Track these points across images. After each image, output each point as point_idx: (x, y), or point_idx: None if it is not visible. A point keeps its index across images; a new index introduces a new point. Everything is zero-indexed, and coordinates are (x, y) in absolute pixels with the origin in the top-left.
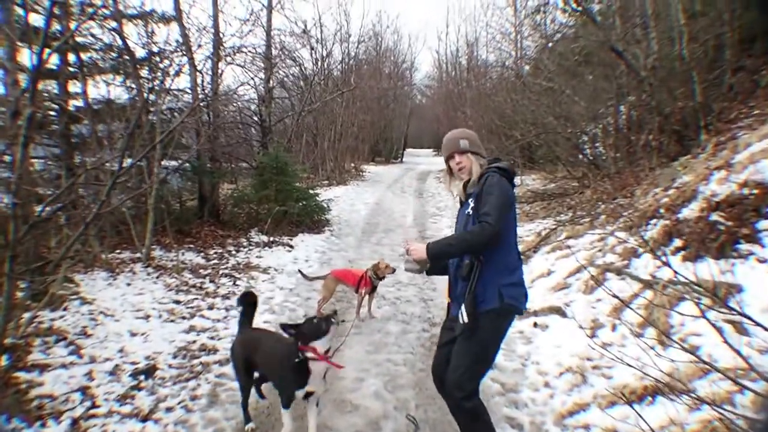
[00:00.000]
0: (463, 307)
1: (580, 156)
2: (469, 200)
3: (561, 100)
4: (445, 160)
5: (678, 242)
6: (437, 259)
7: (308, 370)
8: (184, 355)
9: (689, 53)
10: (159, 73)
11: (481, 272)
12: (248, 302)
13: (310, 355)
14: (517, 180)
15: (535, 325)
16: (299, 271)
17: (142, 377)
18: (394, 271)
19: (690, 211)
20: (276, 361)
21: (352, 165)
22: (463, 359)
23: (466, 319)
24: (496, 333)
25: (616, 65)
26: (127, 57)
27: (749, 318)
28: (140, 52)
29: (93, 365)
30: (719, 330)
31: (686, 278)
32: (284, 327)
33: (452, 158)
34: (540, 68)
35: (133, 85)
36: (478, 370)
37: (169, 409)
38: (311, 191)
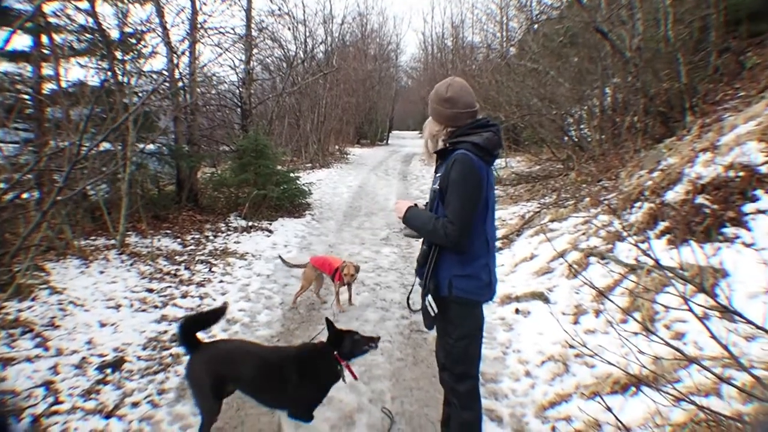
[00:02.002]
0: (428, 294)
1: (565, 138)
2: (438, 174)
3: (546, 82)
4: None
5: (663, 225)
6: (406, 222)
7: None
8: (154, 346)
9: (675, 35)
10: (133, 55)
11: (437, 260)
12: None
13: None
14: (501, 162)
15: (517, 311)
16: (279, 256)
17: (108, 370)
18: (358, 269)
19: (675, 194)
20: (288, 377)
21: (337, 147)
22: (440, 341)
23: (434, 306)
24: (460, 319)
25: (602, 47)
26: (100, 38)
27: (735, 312)
28: (114, 33)
29: (59, 358)
30: (702, 320)
31: (667, 267)
32: (331, 342)
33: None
34: (525, 50)
35: (107, 67)
36: (458, 352)
37: (135, 404)
38: (292, 174)
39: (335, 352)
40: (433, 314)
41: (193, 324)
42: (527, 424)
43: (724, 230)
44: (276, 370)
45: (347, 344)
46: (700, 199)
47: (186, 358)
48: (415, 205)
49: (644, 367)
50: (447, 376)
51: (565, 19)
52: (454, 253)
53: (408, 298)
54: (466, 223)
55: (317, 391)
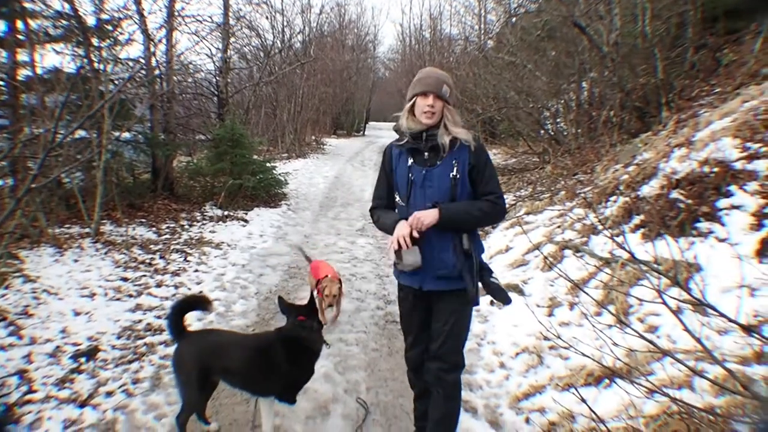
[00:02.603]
0: (474, 281)
1: (542, 131)
2: (452, 161)
3: (523, 75)
4: (415, 94)
5: (638, 220)
6: (448, 225)
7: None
8: (128, 335)
9: (652, 30)
10: (109, 42)
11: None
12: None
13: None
14: None
15: (492, 302)
16: (300, 248)
17: (83, 359)
18: (341, 286)
19: (650, 189)
20: (277, 361)
21: (313, 138)
22: (451, 331)
23: (476, 294)
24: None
25: (579, 41)
26: (76, 24)
27: (709, 306)
28: (91, 20)
29: (33, 347)
30: (676, 313)
31: (642, 260)
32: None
33: (425, 97)
34: (503, 43)
35: (83, 54)
36: (458, 340)
37: (109, 394)
38: (268, 164)
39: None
40: (501, 289)
41: (184, 307)
42: (501, 416)
43: (698, 225)
44: (264, 356)
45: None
46: (675, 194)
47: (161, 347)
48: (435, 204)
49: (618, 359)
50: (437, 366)
51: (543, 13)
52: (477, 233)
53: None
54: None
55: (308, 367)
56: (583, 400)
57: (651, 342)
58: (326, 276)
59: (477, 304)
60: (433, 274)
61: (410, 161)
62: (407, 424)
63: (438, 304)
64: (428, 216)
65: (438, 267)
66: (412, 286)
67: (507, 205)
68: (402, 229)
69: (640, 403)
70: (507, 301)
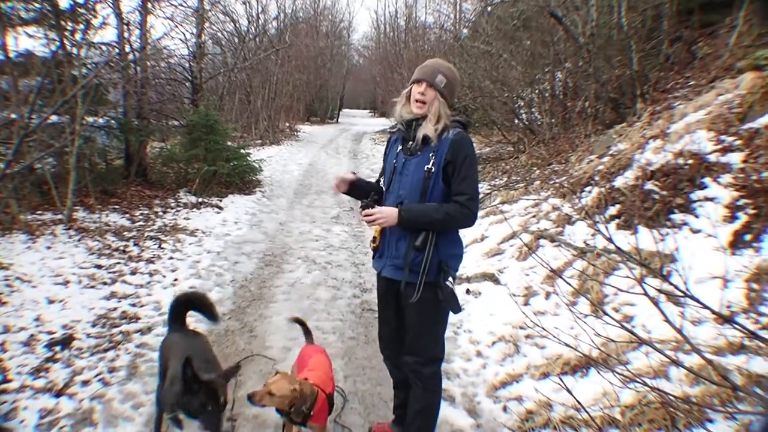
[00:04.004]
0: (419, 278)
1: (516, 121)
2: (429, 154)
3: (498, 65)
4: (412, 82)
5: (612, 210)
6: (409, 226)
7: None
8: (103, 323)
9: (628, 22)
10: (82, 25)
11: (435, 243)
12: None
13: None
14: None
15: (468, 291)
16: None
17: (58, 348)
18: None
19: (625, 180)
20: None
21: (287, 124)
22: (419, 325)
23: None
24: (444, 301)
25: (555, 31)
26: (49, 8)
27: (692, 297)
28: (64, 3)
29: (6, 335)
30: (656, 304)
31: (622, 249)
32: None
33: (419, 84)
34: (478, 32)
35: (56, 38)
36: (434, 335)
37: (85, 383)
38: (242, 151)
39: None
40: (441, 297)
41: (187, 302)
42: (479, 404)
43: (673, 216)
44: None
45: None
46: (650, 185)
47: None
48: (400, 203)
49: (597, 348)
50: (414, 360)
51: (519, 2)
52: (449, 233)
53: (419, 283)
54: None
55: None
56: (566, 389)
57: (630, 331)
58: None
59: (414, 300)
60: (390, 262)
61: (399, 148)
62: (385, 411)
63: (405, 297)
64: (388, 217)
65: (393, 255)
66: (377, 270)
67: (478, 211)
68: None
69: (617, 392)
70: (456, 310)
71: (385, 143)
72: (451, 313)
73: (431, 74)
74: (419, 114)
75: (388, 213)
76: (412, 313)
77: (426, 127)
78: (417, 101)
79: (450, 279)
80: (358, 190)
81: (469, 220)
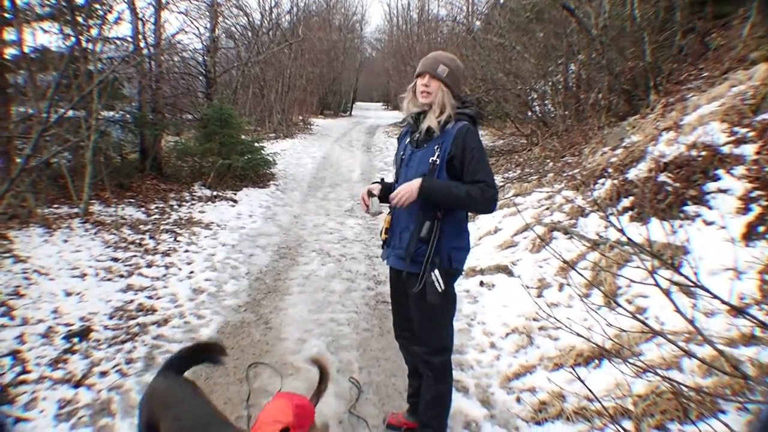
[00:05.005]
0: (424, 269)
1: (529, 113)
2: (434, 146)
3: (511, 57)
4: (416, 75)
5: (626, 202)
6: (429, 197)
7: None
8: (120, 315)
9: (641, 14)
10: (98, 21)
11: (439, 235)
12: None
13: None
14: None
15: (482, 284)
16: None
17: (76, 340)
18: None
19: (638, 172)
20: None
21: (300, 118)
22: (424, 315)
23: (441, 281)
24: (450, 292)
25: (568, 23)
26: (64, 3)
27: (702, 287)
28: None
29: (25, 327)
30: (668, 295)
31: (635, 241)
32: None
33: (422, 77)
34: (491, 24)
35: (71, 33)
36: (440, 326)
37: (103, 374)
38: (257, 144)
39: None
40: (440, 289)
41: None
42: (492, 395)
43: (686, 208)
44: None
45: None
46: (663, 177)
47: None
48: (423, 175)
49: (610, 339)
50: (422, 351)
51: None
52: (454, 225)
53: (423, 273)
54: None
55: None
56: (579, 379)
57: (643, 322)
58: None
59: (416, 291)
60: (395, 252)
61: (408, 140)
62: (400, 402)
63: (409, 288)
64: (410, 190)
65: (397, 246)
66: (383, 260)
67: (496, 198)
68: (362, 189)
69: (630, 383)
70: (434, 300)
71: (397, 138)
72: (460, 305)
73: (433, 65)
74: (425, 104)
75: (408, 187)
76: (415, 303)
77: (429, 118)
78: (422, 92)
79: (436, 270)
80: (389, 192)
81: (489, 205)
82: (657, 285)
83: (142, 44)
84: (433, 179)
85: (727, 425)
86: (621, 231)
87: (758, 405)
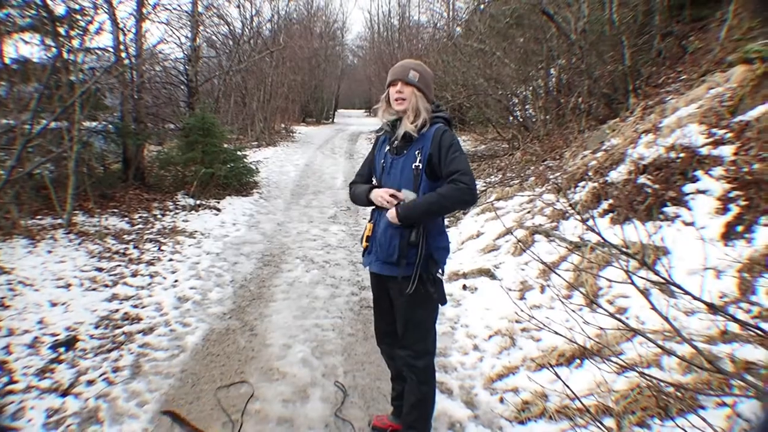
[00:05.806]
0: (414, 271)
1: (510, 118)
2: (415, 151)
3: (492, 62)
4: (387, 85)
5: (606, 205)
6: (408, 221)
7: None
8: (106, 324)
9: (619, 18)
10: (79, 31)
11: (425, 237)
12: None
13: None
14: None
15: (465, 287)
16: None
17: (62, 349)
18: None
19: (618, 174)
20: None
21: (282, 126)
22: (408, 319)
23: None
24: (434, 294)
25: (547, 28)
26: (45, 14)
27: (676, 285)
28: (59, 9)
29: (11, 338)
30: (645, 294)
31: (611, 243)
32: None
33: (394, 85)
34: (471, 30)
35: (53, 44)
36: (423, 329)
37: (90, 382)
38: (239, 153)
39: None
40: (432, 290)
41: None
42: (476, 396)
43: (665, 209)
44: None
45: None
46: (642, 179)
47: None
48: (400, 202)
49: (591, 339)
50: (406, 354)
51: (511, 0)
52: (436, 225)
53: (415, 273)
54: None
55: None
56: (558, 377)
57: (622, 321)
58: None
59: (409, 292)
60: (378, 257)
61: (387, 148)
62: (385, 405)
63: (392, 291)
64: (391, 215)
65: (382, 250)
66: (366, 266)
67: (477, 188)
68: (381, 192)
69: (611, 381)
70: (444, 302)
71: (372, 144)
72: (444, 309)
73: (403, 72)
74: (401, 110)
75: (390, 214)
76: (403, 306)
77: (404, 124)
78: (396, 100)
79: (440, 271)
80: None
81: (467, 195)
82: (633, 284)
83: (123, 54)
84: (407, 204)
85: (705, 420)
86: (593, 230)
87: (738, 400)
